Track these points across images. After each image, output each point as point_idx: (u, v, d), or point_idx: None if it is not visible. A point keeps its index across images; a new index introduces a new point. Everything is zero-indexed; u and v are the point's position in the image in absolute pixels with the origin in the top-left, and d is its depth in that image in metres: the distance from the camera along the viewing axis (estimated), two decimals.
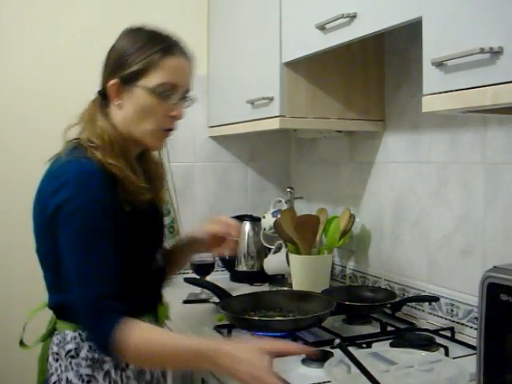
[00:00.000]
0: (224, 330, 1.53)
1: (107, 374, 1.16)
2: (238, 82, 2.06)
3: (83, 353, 1.16)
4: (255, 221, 2.25)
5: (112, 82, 1.17)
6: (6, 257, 2.09)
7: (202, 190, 2.36)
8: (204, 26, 2.33)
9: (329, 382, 1.20)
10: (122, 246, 1.13)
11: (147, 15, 2.22)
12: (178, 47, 1.21)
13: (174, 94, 1.19)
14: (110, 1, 2.20)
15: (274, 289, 2.03)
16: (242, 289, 2.05)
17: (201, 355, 1.03)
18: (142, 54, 1.16)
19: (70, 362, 1.16)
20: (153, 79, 1.16)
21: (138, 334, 1.04)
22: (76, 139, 1.20)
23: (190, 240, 1.46)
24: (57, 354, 1.18)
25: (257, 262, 2.20)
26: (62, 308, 1.19)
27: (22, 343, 1.29)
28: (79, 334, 1.16)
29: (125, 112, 1.19)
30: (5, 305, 2.09)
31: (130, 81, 1.17)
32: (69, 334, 1.17)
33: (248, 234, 2.24)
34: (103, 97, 1.22)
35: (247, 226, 2.25)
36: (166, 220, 2.10)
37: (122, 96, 1.18)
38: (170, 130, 1.24)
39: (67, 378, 1.15)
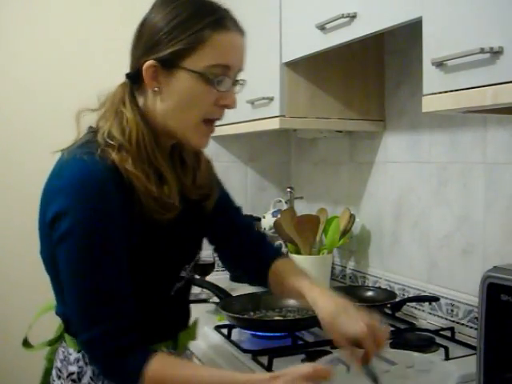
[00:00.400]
0: (224, 329, 1.53)
1: None
2: None
3: (85, 379, 1.02)
4: (255, 221, 2.24)
5: (148, 63, 0.95)
6: (8, 258, 2.08)
7: None
8: None
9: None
10: (135, 267, 0.97)
11: None
12: (231, 19, 0.99)
13: (226, 78, 0.98)
14: (110, 0, 2.20)
15: None
16: (241, 289, 2.04)
17: None
18: (187, 28, 0.94)
19: None
20: (202, 60, 0.94)
21: (160, 372, 0.92)
22: (93, 130, 1.01)
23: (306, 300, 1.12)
24: (60, 371, 1.06)
25: None
26: (64, 320, 1.07)
27: (26, 343, 1.15)
28: (83, 357, 1.03)
29: (164, 101, 0.97)
30: (6, 306, 2.09)
31: (171, 62, 0.95)
32: (72, 355, 1.04)
33: None
34: (134, 81, 1.00)
35: None
36: None
37: (161, 81, 0.96)
38: (216, 119, 1.03)
39: None
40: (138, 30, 1.00)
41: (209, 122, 1.01)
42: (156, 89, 0.97)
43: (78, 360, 1.03)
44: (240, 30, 1.01)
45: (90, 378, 1.02)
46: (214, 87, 0.96)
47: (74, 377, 1.03)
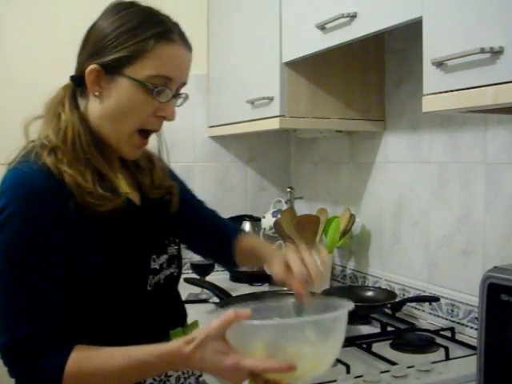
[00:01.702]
0: None
1: None
2: (238, 82, 2.05)
3: None
4: (255, 221, 2.24)
5: (91, 67, 0.97)
6: None
7: (201, 190, 2.32)
8: (204, 25, 2.33)
9: (329, 382, 1.19)
10: (92, 263, 0.96)
11: None
12: (178, 33, 1.01)
13: (166, 90, 0.99)
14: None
15: (274, 289, 2.03)
16: (241, 289, 2.04)
17: (155, 366, 0.92)
18: (133, 37, 0.96)
19: None
20: (143, 69, 0.96)
21: (76, 371, 0.89)
22: (33, 141, 1.01)
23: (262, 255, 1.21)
24: None
25: None
26: None
27: None
28: None
29: (103, 105, 0.99)
30: None
31: (114, 69, 0.97)
32: None
33: None
34: (77, 84, 1.02)
35: (247, 226, 2.25)
36: None
37: (102, 86, 0.98)
38: (153, 131, 1.05)
39: None
40: (87, 33, 1.02)
41: (143, 133, 1.03)
42: (97, 93, 0.99)
43: None
44: (186, 45, 1.02)
45: None
46: (153, 97, 0.97)
47: None
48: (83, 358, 0.91)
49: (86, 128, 0.99)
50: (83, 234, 0.95)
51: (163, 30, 0.98)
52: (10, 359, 0.90)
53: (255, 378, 0.89)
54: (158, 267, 1.07)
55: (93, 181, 0.96)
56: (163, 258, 1.09)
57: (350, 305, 0.92)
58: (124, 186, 1.07)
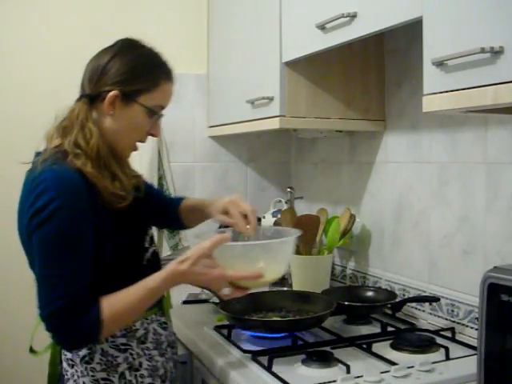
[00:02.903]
0: (224, 330, 1.53)
1: (122, 375, 1.20)
2: (238, 82, 2.05)
3: (97, 357, 1.19)
4: None
5: (114, 93, 1.19)
6: (7, 261, 2.07)
7: (201, 190, 2.36)
8: (204, 25, 2.32)
9: (329, 382, 1.20)
10: (113, 246, 1.18)
11: (147, 17, 2.22)
12: (172, 73, 1.29)
13: (159, 115, 1.28)
14: (108, 4, 2.19)
15: (274, 289, 2.03)
16: None
17: (162, 288, 1.18)
18: (150, 74, 1.23)
19: (86, 368, 1.19)
20: (153, 99, 1.23)
21: (110, 311, 1.12)
22: (56, 146, 1.19)
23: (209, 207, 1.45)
24: (71, 360, 1.20)
25: None
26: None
27: (31, 350, 1.30)
28: None
29: (115, 123, 1.22)
30: (10, 308, 2.08)
31: (130, 96, 1.21)
32: None
33: None
34: (91, 101, 1.22)
35: None
36: None
37: (116, 107, 1.21)
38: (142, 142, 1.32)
39: None
40: (106, 63, 1.22)
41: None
42: (111, 112, 1.21)
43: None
44: (174, 80, 1.30)
45: (101, 355, 1.19)
46: (151, 119, 1.25)
47: (87, 359, 1.19)
48: (110, 303, 1.13)
49: (103, 140, 1.20)
50: (107, 222, 1.18)
51: (168, 70, 1.28)
52: (56, 324, 1.10)
53: (232, 286, 1.21)
54: (147, 245, 1.30)
55: (111, 183, 1.19)
56: (147, 237, 1.32)
57: (296, 232, 1.32)
58: (129, 184, 1.24)
